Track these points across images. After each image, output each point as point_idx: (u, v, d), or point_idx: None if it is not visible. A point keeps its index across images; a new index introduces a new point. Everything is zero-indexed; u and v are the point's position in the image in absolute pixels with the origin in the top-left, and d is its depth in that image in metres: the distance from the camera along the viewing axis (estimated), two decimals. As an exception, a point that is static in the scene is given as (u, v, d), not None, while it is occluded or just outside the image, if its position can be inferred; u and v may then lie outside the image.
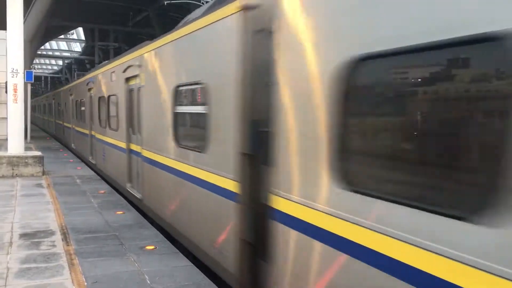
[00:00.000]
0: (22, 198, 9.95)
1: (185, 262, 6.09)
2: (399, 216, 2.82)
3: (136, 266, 5.86)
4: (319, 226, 3.57)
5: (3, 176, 12.75)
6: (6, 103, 15.16)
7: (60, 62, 75.71)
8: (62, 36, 62.23)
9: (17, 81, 13.28)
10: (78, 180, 12.58)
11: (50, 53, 72.15)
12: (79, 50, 70.44)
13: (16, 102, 13.22)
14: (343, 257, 3.31)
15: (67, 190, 11.10)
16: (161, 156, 7.71)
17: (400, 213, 2.81)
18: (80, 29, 61.47)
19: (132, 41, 52.19)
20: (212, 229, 5.70)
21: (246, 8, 4.80)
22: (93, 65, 55.72)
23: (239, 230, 5.02)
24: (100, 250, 6.48)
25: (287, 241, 3.99)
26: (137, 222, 8.11)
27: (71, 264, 5.88)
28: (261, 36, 4.60)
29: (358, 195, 3.15)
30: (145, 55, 8.75)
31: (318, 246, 3.60)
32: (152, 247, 6.65)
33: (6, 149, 13.89)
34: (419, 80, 2.89)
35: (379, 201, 2.98)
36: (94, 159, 15.08)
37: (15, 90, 13.24)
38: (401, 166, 2.95)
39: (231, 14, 5.10)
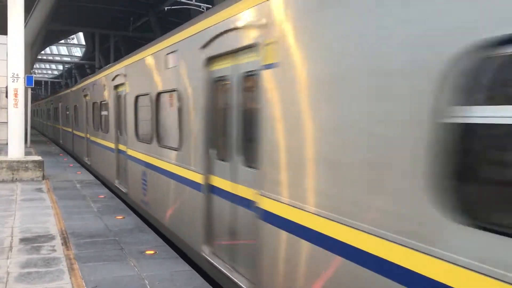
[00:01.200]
0: (22, 203, 9.96)
1: (185, 267, 6.10)
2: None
3: (136, 271, 5.86)
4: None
5: (3, 181, 12.76)
6: (7, 108, 15.19)
7: (61, 67, 75.86)
8: (62, 41, 62.42)
9: (18, 86, 13.31)
10: (78, 185, 12.59)
11: (50, 57, 72.31)
12: (79, 55, 70.61)
13: (17, 107, 13.25)
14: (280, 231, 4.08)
15: (67, 194, 11.11)
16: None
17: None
18: (81, 34, 61.66)
19: (133, 45, 52.36)
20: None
21: None
22: (93, 70, 55.92)
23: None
24: (100, 255, 6.49)
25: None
26: (137, 227, 8.12)
27: (71, 269, 5.89)
28: None
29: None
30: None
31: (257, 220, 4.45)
32: (152, 252, 6.65)
33: (6, 153, 13.90)
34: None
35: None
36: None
37: (15, 95, 13.27)
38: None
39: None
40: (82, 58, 66.63)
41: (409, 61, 2.72)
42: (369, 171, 3.06)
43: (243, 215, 4.97)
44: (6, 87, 15.91)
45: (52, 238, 7.30)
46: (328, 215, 3.43)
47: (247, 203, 4.86)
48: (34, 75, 25.16)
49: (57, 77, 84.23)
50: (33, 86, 21.48)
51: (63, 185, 12.50)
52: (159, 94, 7.95)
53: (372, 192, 3.02)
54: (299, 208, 3.80)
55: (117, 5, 39.49)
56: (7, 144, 13.93)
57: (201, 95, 5.99)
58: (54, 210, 9.30)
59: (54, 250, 6.65)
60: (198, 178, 6.03)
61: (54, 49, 72.79)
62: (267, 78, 4.27)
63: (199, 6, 21.81)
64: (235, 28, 4.96)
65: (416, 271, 2.67)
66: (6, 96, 16.04)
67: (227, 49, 5.20)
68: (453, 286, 2.45)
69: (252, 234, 4.67)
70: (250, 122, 4.76)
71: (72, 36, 63.72)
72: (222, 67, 5.53)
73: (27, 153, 14.83)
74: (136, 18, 42.57)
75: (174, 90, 7.13)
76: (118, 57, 54.67)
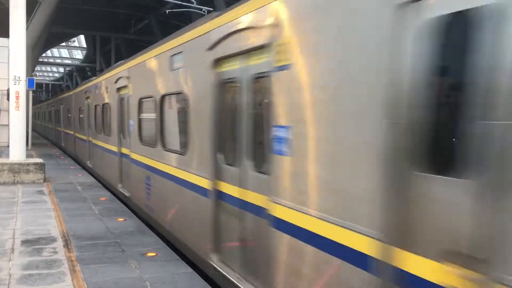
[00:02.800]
0: (24, 205, 9.98)
1: (186, 269, 6.12)
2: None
3: (137, 273, 5.89)
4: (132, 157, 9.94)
5: (4, 183, 12.79)
6: (8, 110, 15.20)
7: (62, 69, 75.93)
8: (63, 44, 62.46)
9: (19, 89, 13.34)
10: (79, 187, 12.61)
11: (51, 60, 72.36)
12: (80, 57, 70.67)
13: (18, 109, 13.29)
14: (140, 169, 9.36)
15: (68, 197, 11.13)
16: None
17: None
18: (82, 37, 61.68)
19: (134, 48, 52.38)
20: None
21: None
22: (94, 73, 55.96)
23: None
24: (101, 257, 6.51)
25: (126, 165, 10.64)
26: (138, 229, 8.14)
27: (72, 271, 5.91)
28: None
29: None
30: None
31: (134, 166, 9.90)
32: (153, 254, 6.68)
33: (7, 156, 13.93)
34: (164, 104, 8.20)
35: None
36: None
37: (17, 98, 13.30)
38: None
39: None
40: (83, 61, 66.70)
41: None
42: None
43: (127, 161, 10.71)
44: (8, 90, 15.95)
45: (53, 240, 7.33)
46: (136, 152, 9.62)
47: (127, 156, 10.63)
48: (36, 78, 25.21)
49: (58, 79, 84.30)
50: (34, 88, 21.52)
51: (64, 187, 12.53)
52: (98, 105, 14.41)
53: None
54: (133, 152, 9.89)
55: (118, 8, 39.54)
56: (8, 146, 13.95)
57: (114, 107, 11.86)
58: (55, 213, 9.32)
59: (56, 252, 6.68)
60: (114, 148, 11.58)
61: (55, 51, 72.88)
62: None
63: (200, 9, 21.87)
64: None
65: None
66: (8, 99, 16.07)
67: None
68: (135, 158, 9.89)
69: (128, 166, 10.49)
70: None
71: (73, 38, 63.77)
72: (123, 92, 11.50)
73: (28, 156, 14.85)
74: (137, 20, 42.62)
75: (107, 103, 12.79)
76: (120, 59, 54.69)
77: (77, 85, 62.52)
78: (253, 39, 4.56)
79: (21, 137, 13.43)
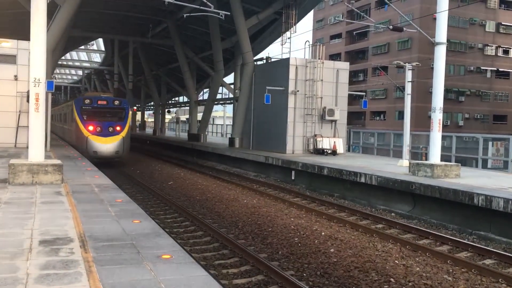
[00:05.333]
0: (42, 206, 10.10)
1: (201, 272, 6.13)
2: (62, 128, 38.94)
3: (152, 275, 5.91)
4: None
5: (23, 184, 12.96)
6: (27, 112, 15.41)
7: (80, 72, 76.96)
8: (82, 47, 63.31)
9: (39, 91, 13.51)
10: (96, 189, 12.73)
11: (70, 63, 73.33)
12: (98, 61, 71.54)
13: (38, 111, 13.46)
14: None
15: (85, 198, 11.24)
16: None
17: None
18: (100, 40, 62.39)
19: (152, 51, 52.70)
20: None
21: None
22: (112, 76, 56.55)
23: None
24: (117, 258, 6.56)
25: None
26: (154, 231, 8.18)
27: (89, 271, 5.96)
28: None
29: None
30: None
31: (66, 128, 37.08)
32: (168, 256, 6.70)
33: (26, 157, 14.13)
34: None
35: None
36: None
37: (36, 100, 13.47)
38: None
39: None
40: (101, 64, 67.54)
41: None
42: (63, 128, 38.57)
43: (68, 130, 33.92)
44: (28, 92, 16.18)
45: (70, 240, 7.40)
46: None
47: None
48: (55, 80, 25.64)
49: (76, 82, 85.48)
50: (54, 91, 21.87)
51: (81, 188, 12.66)
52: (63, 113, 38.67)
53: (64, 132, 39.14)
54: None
55: (136, 11, 39.95)
56: (27, 147, 14.15)
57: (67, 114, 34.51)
58: (72, 214, 9.42)
59: (73, 253, 6.74)
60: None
61: (74, 54, 73.93)
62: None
63: (218, 13, 21.96)
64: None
65: None
66: (28, 101, 16.30)
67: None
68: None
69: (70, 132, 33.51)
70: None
71: (92, 42, 64.61)
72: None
73: (46, 157, 15.03)
74: (155, 24, 42.97)
75: (66, 113, 34.20)
76: (137, 63, 55.16)
77: (95, 87, 72.55)
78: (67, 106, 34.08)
79: (40, 139, 13.60)
